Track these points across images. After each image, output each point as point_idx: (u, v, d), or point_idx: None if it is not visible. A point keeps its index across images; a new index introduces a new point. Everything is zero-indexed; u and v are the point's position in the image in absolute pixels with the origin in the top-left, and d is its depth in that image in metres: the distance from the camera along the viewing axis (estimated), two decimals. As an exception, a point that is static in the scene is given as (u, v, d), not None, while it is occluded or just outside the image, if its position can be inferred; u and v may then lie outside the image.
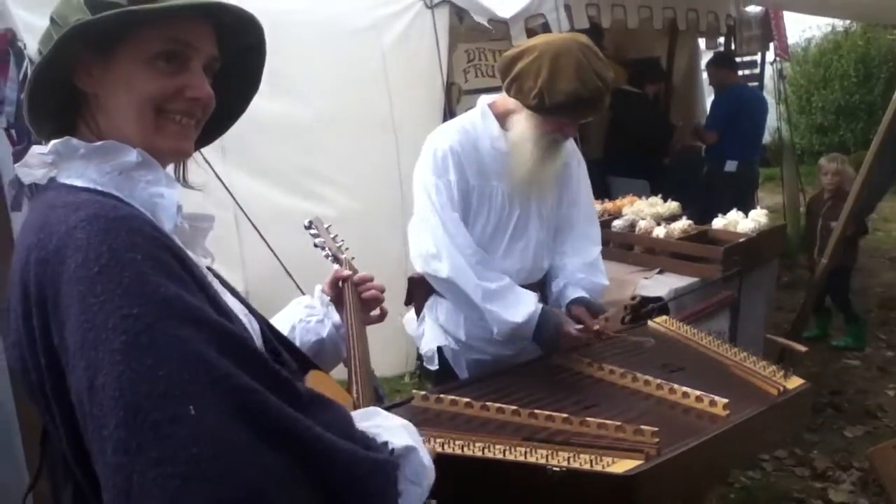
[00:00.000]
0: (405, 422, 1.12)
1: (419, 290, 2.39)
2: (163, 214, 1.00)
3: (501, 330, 2.16)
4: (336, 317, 1.49)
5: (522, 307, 2.14)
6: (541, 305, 2.17)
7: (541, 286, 2.38)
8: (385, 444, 1.03)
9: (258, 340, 1.11)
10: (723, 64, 6.21)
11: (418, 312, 2.43)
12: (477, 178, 2.18)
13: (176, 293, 0.87)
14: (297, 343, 1.38)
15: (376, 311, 1.57)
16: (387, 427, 1.08)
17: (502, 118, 2.20)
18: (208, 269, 1.14)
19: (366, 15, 4.02)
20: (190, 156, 1.12)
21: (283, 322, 1.42)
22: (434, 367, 2.38)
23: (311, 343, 1.44)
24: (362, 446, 0.97)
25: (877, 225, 6.36)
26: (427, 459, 1.07)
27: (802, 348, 2.28)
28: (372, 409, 1.15)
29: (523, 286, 2.25)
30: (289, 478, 0.85)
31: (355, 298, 1.50)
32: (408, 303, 2.47)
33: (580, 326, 2.19)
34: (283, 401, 0.89)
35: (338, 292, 1.54)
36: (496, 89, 2.28)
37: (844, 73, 10.57)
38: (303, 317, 1.47)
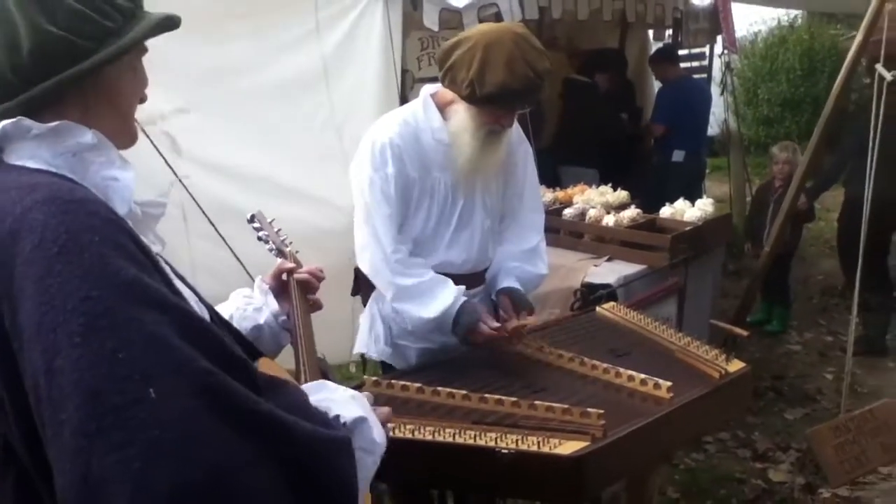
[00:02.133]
0: (354, 392, 1.14)
1: (366, 281, 2.39)
2: (116, 198, 1.00)
3: (416, 326, 2.18)
4: (275, 305, 1.50)
5: (437, 303, 2.12)
6: (463, 300, 2.15)
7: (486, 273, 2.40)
8: (337, 417, 1.05)
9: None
10: (663, 58, 6.32)
11: (364, 303, 2.44)
12: (418, 171, 2.17)
13: (136, 276, 0.87)
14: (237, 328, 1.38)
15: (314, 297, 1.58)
16: (336, 400, 1.09)
17: (444, 108, 2.19)
18: (159, 255, 1.14)
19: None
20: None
21: (223, 312, 1.42)
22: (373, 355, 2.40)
23: (249, 329, 1.44)
24: (321, 425, 0.98)
25: (819, 214, 6.54)
26: (377, 428, 1.10)
27: (744, 333, 2.35)
28: (320, 381, 1.16)
29: (470, 275, 2.27)
30: (253, 461, 0.85)
31: (300, 291, 1.51)
32: (355, 293, 2.47)
33: (495, 325, 2.17)
34: (242, 384, 0.89)
35: (281, 284, 1.54)
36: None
37: (790, 67, 10.83)
38: (240, 304, 1.48)
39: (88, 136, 0.99)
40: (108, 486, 0.78)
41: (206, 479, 0.80)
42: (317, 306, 1.59)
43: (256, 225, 1.71)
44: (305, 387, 1.10)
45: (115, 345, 0.81)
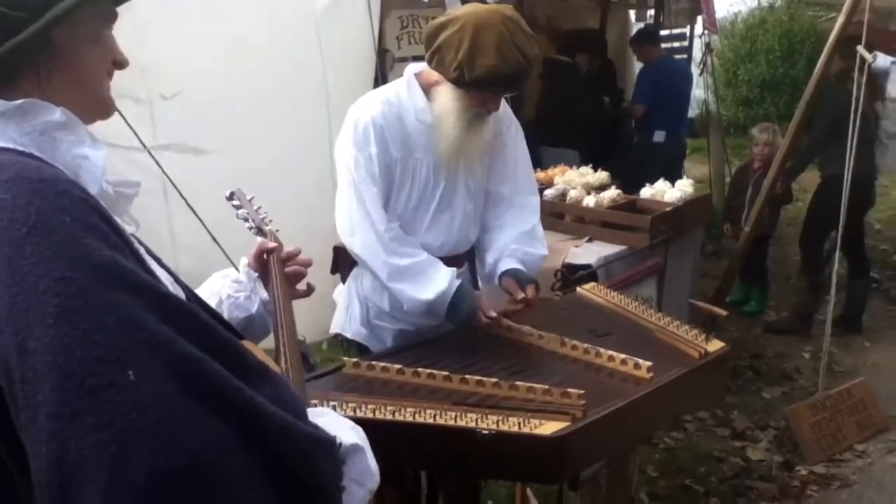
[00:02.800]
0: (354, 424, 1.10)
1: (345, 260, 2.37)
2: (87, 177, 0.96)
3: (411, 307, 2.15)
4: (263, 292, 1.47)
5: (434, 285, 2.11)
6: (458, 282, 2.14)
7: (468, 257, 2.38)
8: (333, 437, 1.00)
9: None
10: (643, 40, 6.31)
11: (344, 281, 2.42)
12: (400, 151, 2.14)
13: (110, 257, 0.84)
14: (226, 318, 1.35)
15: (303, 286, 1.55)
16: (334, 424, 1.05)
17: (428, 89, 2.15)
18: (133, 236, 1.11)
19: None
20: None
21: (208, 295, 1.39)
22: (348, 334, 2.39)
23: (240, 319, 1.41)
24: (307, 424, 0.95)
25: (797, 196, 6.59)
26: (373, 463, 1.05)
27: (723, 312, 2.35)
28: (321, 409, 1.14)
29: (448, 258, 2.24)
30: (232, 448, 0.83)
31: (281, 271, 1.48)
32: (333, 272, 2.45)
33: (493, 315, 2.17)
34: (229, 370, 0.86)
35: (263, 265, 1.51)
36: (428, 58, 2.25)
37: (769, 48, 10.87)
38: (231, 292, 1.45)
39: (56, 113, 0.96)
40: (83, 469, 0.76)
41: (185, 465, 0.78)
42: (310, 290, 1.57)
43: (236, 202, 1.68)
44: (308, 411, 1.04)
45: (90, 326, 0.79)
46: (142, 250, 1.04)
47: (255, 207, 1.69)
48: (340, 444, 0.99)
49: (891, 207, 9.15)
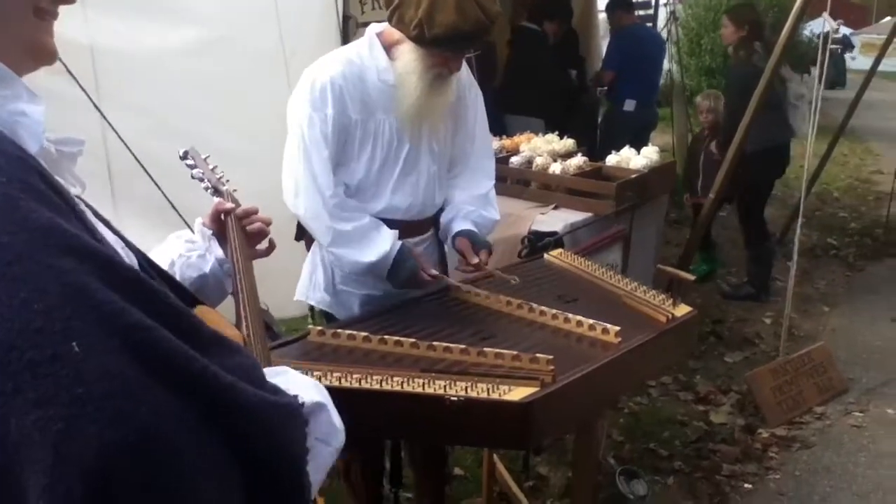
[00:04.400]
0: (315, 381, 1.06)
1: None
2: (26, 134, 0.88)
3: (353, 270, 2.15)
4: (219, 251, 1.42)
5: (375, 248, 2.10)
6: (399, 244, 2.13)
7: (434, 222, 2.36)
8: (295, 397, 0.95)
9: None
10: (617, 6, 6.29)
11: (308, 248, 2.37)
12: (361, 112, 2.10)
13: (50, 219, 0.77)
14: (178, 279, 1.30)
15: (263, 245, 1.50)
16: (295, 382, 1.01)
17: (390, 48, 2.11)
18: (78, 198, 1.05)
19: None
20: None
21: (161, 257, 1.33)
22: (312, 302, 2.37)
23: (194, 279, 1.36)
24: (269, 392, 0.90)
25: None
26: (337, 419, 1.01)
27: (690, 277, 2.37)
28: (280, 367, 1.09)
29: (415, 222, 2.23)
30: (187, 422, 0.78)
31: (239, 232, 1.42)
32: (298, 238, 2.40)
33: (434, 273, 2.18)
34: (182, 339, 0.81)
35: (220, 226, 1.45)
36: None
37: (733, 17, 10.89)
38: (183, 251, 1.39)
39: None
40: (27, 449, 0.71)
41: (136, 440, 0.73)
42: (271, 248, 1.52)
43: (190, 162, 1.61)
44: (266, 370, 1.00)
45: (29, 295, 0.73)
46: (88, 213, 0.98)
47: (211, 167, 1.62)
48: (303, 403, 0.95)
49: (848, 176, 9.33)
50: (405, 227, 2.21)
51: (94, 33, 3.09)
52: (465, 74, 2.28)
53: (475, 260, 2.20)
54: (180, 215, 2.73)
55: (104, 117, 2.91)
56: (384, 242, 2.11)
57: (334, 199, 2.09)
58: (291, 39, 3.77)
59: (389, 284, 2.19)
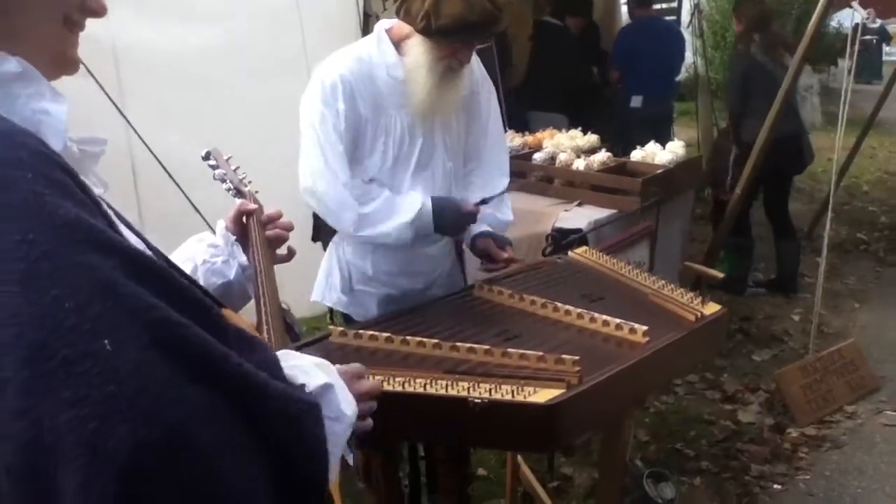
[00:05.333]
0: (319, 360, 1.05)
1: (326, 227, 2.30)
2: (49, 132, 0.87)
3: (399, 238, 2.12)
4: (242, 257, 1.40)
5: (408, 207, 2.10)
6: (429, 198, 2.13)
7: None
8: (303, 386, 0.96)
9: None
10: (632, 1, 6.21)
11: (325, 249, 2.36)
12: (371, 110, 2.08)
13: (77, 215, 0.76)
14: (202, 284, 1.28)
15: (283, 251, 1.49)
16: (301, 367, 1.00)
17: (399, 43, 2.09)
18: (101, 199, 1.03)
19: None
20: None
21: (183, 261, 1.32)
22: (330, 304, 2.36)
23: (218, 285, 1.34)
24: (296, 390, 0.91)
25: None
26: (344, 394, 1.01)
27: (719, 274, 2.32)
28: (283, 351, 1.08)
29: None
30: (217, 418, 0.77)
31: (261, 234, 1.41)
32: (315, 239, 2.39)
33: (477, 202, 2.18)
34: (209, 332, 0.80)
35: (242, 228, 1.44)
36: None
37: (757, 9, 10.75)
38: (207, 257, 1.37)
39: (12, 63, 0.87)
40: (61, 449, 0.69)
41: (169, 437, 0.72)
42: (291, 254, 1.50)
43: (212, 162, 1.59)
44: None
45: (60, 292, 0.71)
46: (111, 212, 0.97)
47: (233, 168, 1.60)
48: (311, 391, 0.96)
49: (878, 169, 9.17)
50: None
51: (116, 34, 3.10)
52: (477, 68, 2.26)
53: (504, 255, 2.20)
54: (202, 216, 2.73)
55: (129, 124, 2.91)
56: (414, 200, 2.11)
57: (355, 188, 2.09)
58: (313, 38, 3.76)
59: (428, 246, 2.19)
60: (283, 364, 0.97)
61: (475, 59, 2.27)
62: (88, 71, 2.57)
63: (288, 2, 3.76)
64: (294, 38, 3.73)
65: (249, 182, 1.57)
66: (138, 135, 2.94)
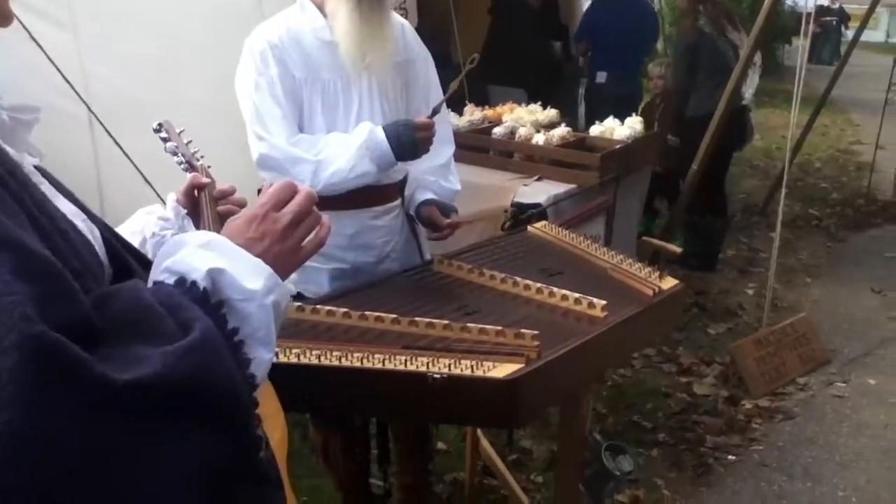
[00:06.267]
0: (210, 237, 0.92)
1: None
2: None
3: (362, 170, 2.05)
4: (193, 231, 1.35)
5: (357, 134, 2.06)
6: (377, 126, 2.08)
7: (400, 189, 2.30)
8: (194, 283, 0.84)
9: (98, 247, 0.96)
10: None
11: None
12: (303, 71, 2.08)
13: None
14: (151, 258, 1.22)
15: None
16: (183, 261, 0.87)
17: (322, 8, 2.10)
18: (38, 168, 0.98)
19: None
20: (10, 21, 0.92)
21: (130, 233, 1.26)
22: None
23: None
24: (166, 338, 0.77)
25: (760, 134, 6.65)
26: (244, 266, 0.88)
27: (677, 249, 2.33)
28: (174, 240, 0.92)
29: (380, 187, 2.19)
30: (83, 423, 0.69)
31: (213, 209, 1.36)
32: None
33: (427, 116, 2.14)
34: (83, 339, 0.71)
35: (193, 202, 1.39)
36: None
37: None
38: (156, 230, 1.32)
39: None
40: None
41: (32, 445, 0.66)
42: None
43: (164, 135, 1.54)
44: (161, 252, 0.89)
45: None
46: (45, 184, 0.91)
47: (186, 141, 1.55)
48: (193, 281, 0.85)
49: (829, 146, 9.35)
50: (369, 195, 2.16)
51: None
52: (412, 38, 2.28)
53: (446, 221, 2.21)
54: (153, 189, 2.65)
55: (79, 96, 2.79)
56: (361, 127, 2.07)
57: (302, 142, 2.07)
58: (270, 2, 3.66)
59: (369, 255, 2.16)
60: (169, 261, 0.87)
61: (410, 30, 2.28)
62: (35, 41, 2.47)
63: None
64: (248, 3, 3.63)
65: (202, 156, 1.52)
66: (90, 110, 2.83)
